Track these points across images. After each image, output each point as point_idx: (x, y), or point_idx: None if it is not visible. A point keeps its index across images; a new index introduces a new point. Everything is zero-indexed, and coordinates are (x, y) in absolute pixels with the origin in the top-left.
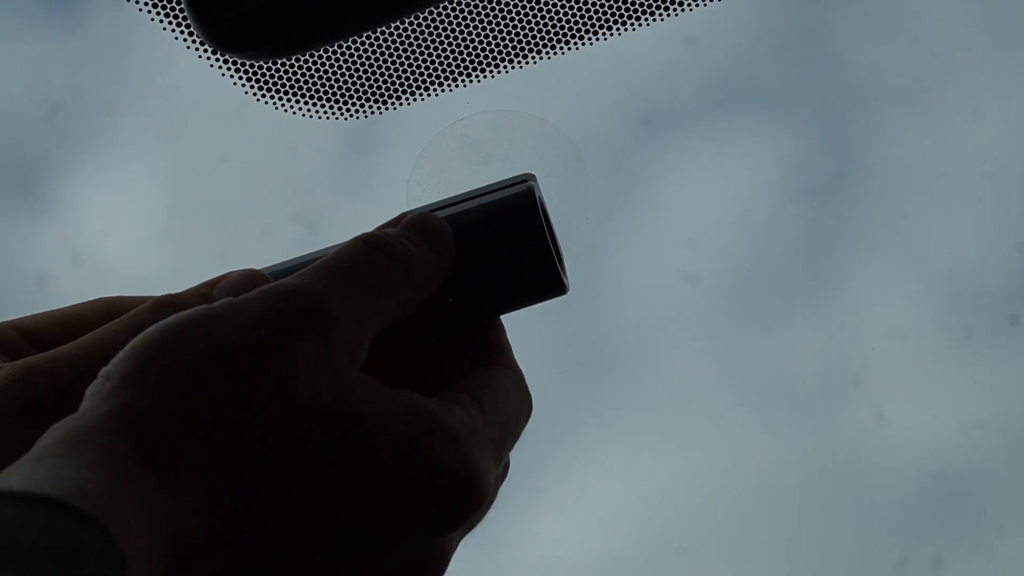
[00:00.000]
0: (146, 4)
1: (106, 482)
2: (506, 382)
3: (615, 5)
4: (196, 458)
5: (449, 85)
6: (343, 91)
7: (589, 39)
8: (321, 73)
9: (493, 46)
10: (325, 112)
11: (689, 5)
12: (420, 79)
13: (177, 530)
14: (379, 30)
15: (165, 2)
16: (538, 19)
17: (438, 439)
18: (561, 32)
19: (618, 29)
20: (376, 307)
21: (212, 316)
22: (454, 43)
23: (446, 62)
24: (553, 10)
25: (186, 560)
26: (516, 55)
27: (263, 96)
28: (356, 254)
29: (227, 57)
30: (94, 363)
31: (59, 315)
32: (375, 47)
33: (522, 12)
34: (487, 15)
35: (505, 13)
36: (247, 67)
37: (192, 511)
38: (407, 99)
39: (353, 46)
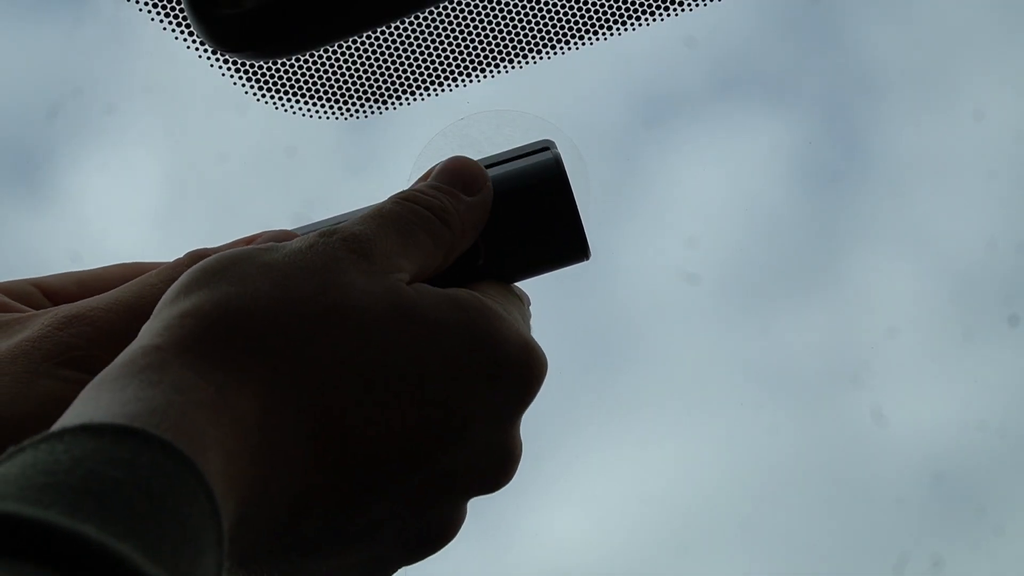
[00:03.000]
0: (146, 4)
1: (176, 400)
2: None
3: (615, 5)
4: (259, 353)
5: (449, 85)
6: (343, 91)
7: (589, 39)
8: (321, 73)
9: (493, 46)
10: (325, 112)
11: (689, 5)
12: (420, 79)
13: (251, 426)
14: (379, 30)
15: (165, 2)
16: (538, 19)
17: (492, 319)
18: (561, 32)
19: (619, 29)
20: (416, 243)
21: (260, 248)
22: (454, 43)
23: (446, 62)
24: (553, 10)
25: (268, 458)
26: (516, 55)
27: (263, 96)
28: (389, 206)
29: (227, 57)
30: (133, 310)
31: (79, 276)
32: (375, 47)
33: (522, 12)
34: (487, 15)
35: (505, 13)
36: (247, 67)
37: (263, 404)
38: (407, 99)
39: (353, 46)
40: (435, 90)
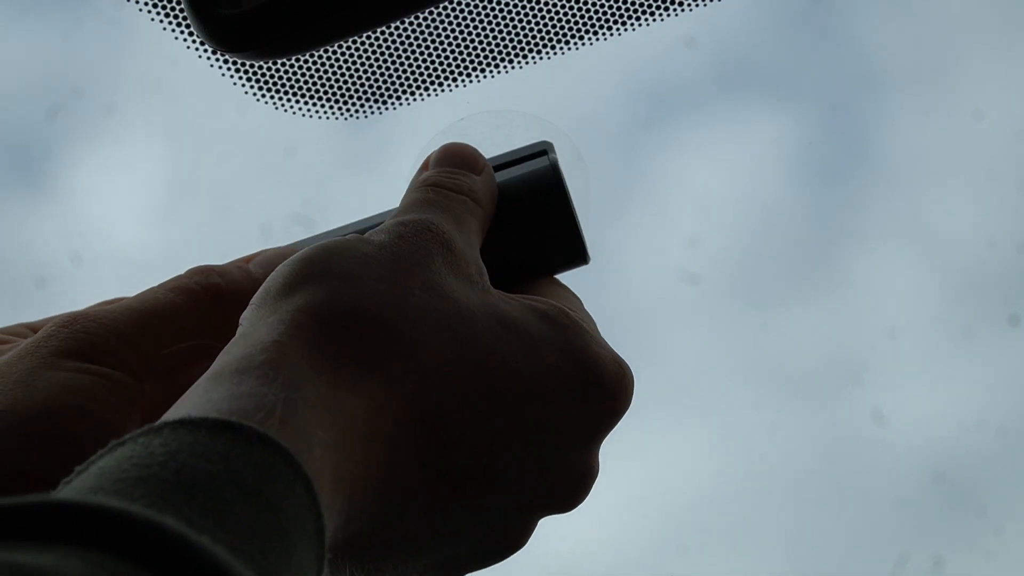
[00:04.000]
0: (146, 4)
1: (291, 398)
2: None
3: (615, 5)
4: (370, 351)
5: (449, 85)
6: (343, 91)
7: (589, 39)
8: (321, 73)
9: (493, 46)
10: (325, 112)
11: (689, 5)
12: (420, 79)
13: (360, 424)
14: (379, 30)
15: (165, 2)
16: (538, 19)
17: (583, 335)
18: (561, 32)
19: (619, 29)
20: (467, 227)
21: (354, 239)
22: (454, 43)
23: (446, 62)
24: (553, 10)
25: (374, 458)
26: (516, 55)
27: (263, 96)
28: (431, 195)
29: (227, 57)
30: (139, 312)
31: (71, 314)
32: (375, 47)
33: (523, 12)
34: (487, 15)
35: (505, 13)
36: (247, 67)
37: (373, 403)
38: (407, 99)
39: (353, 46)
40: (435, 90)
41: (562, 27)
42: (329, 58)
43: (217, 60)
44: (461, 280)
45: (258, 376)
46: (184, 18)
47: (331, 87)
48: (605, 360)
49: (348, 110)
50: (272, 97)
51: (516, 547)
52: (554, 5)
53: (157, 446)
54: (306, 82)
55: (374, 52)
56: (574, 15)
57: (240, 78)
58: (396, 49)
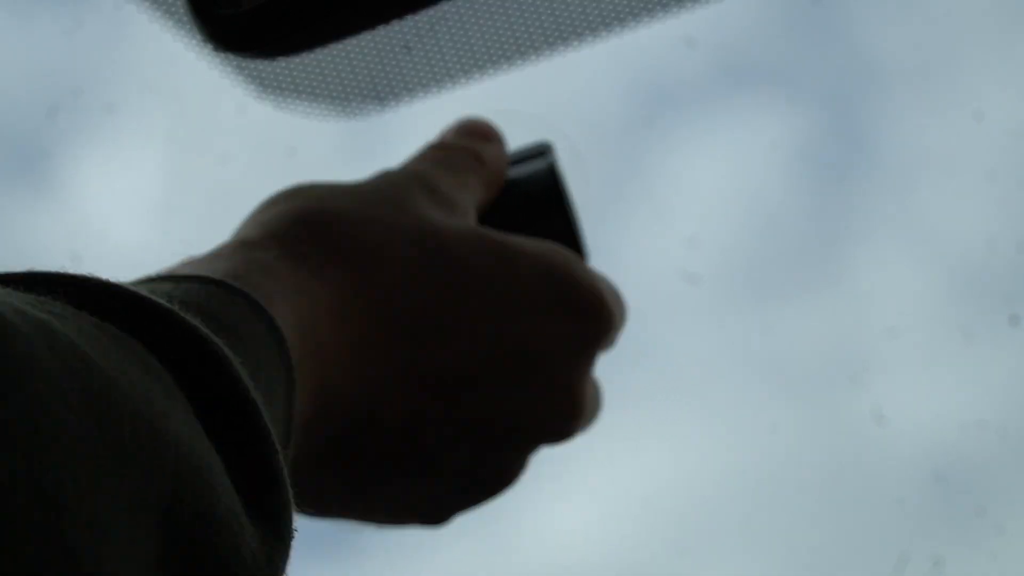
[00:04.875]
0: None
1: (259, 279)
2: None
3: (615, 5)
4: (338, 250)
5: (449, 85)
6: (343, 91)
7: (589, 39)
8: (321, 73)
9: (493, 46)
10: (325, 112)
11: (689, 5)
12: (420, 79)
13: (326, 308)
14: (379, 30)
15: (165, 2)
16: (539, 19)
17: (569, 257)
18: (561, 32)
19: (619, 29)
20: (465, 181)
21: (329, 181)
22: (455, 42)
23: (446, 62)
24: (553, 10)
25: (340, 348)
26: (516, 55)
27: (263, 96)
28: (429, 153)
29: (227, 57)
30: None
31: None
32: (375, 47)
33: (523, 12)
34: (488, 15)
35: (506, 12)
36: (247, 67)
37: (339, 294)
38: (407, 99)
39: (353, 46)
40: (435, 90)
41: (562, 27)
42: (329, 58)
43: (217, 60)
44: (441, 211)
45: (227, 260)
46: (184, 18)
47: (331, 87)
48: (584, 280)
49: (348, 110)
50: (272, 97)
51: (503, 483)
52: (554, 5)
53: (172, 287)
54: (306, 82)
55: (374, 52)
56: (574, 15)
57: (240, 78)
58: (396, 49)
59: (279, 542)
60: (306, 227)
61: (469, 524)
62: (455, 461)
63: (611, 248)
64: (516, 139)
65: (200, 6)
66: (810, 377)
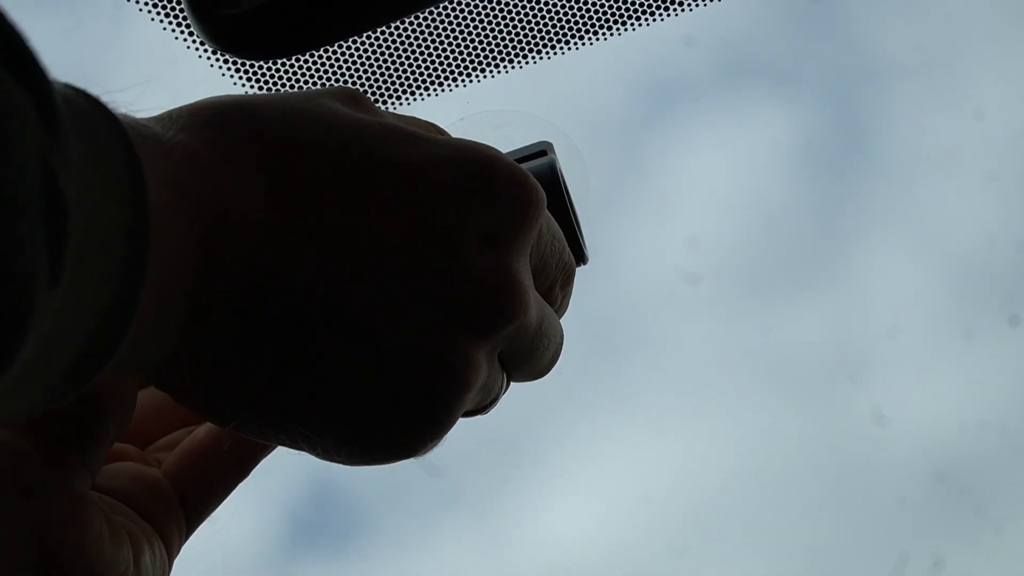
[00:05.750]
0: (146, 4)
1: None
2: None
3: (615, 5)
4: (232, 127)
5: (449, 85)
6: None
7: (589, 39)
8: (321, 73)
9: (493, 46)
10: None
11: (690, 5)
12: (420, 79)
13: (207, 169)
14: (379, 30)
15: (165, 2)
16: (538, 19)
17: (487, 145)
18: (561, 32)
19: (619, 29)
20: (401, 119)
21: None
22: (454, 43)
23: (446, 62)
24: (553, 10)
25: (222, 194)
26: (516, 55)
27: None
28: None
29: (227, 57)
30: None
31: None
32: (375, 47)
33: (523, 12)
34: (487, 15)
35: (505, 13)
36: (247, 67)
37: (224, 157)
38: (407, 99)
39: (353, 46)
40: (435, 90)
41: (562, 27)
42: (329, 58)
43: (217, 60)
44: (358, 110)
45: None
46: (184, 18)
47: (331, 87)
48: (500, 158)
49: None
50: None
51: (449, 376)
52: (554, 5)
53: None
54: (306, 82)
55: (374, 52)
56: (574, 15)
57: (240, 78)
58: (396, 49)
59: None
60: (200, 110)
61: (469, 524)
62: (382, 373)
63: (611, 248)
64: (516, 139)
65: (200, 6)
66: (810, 377)
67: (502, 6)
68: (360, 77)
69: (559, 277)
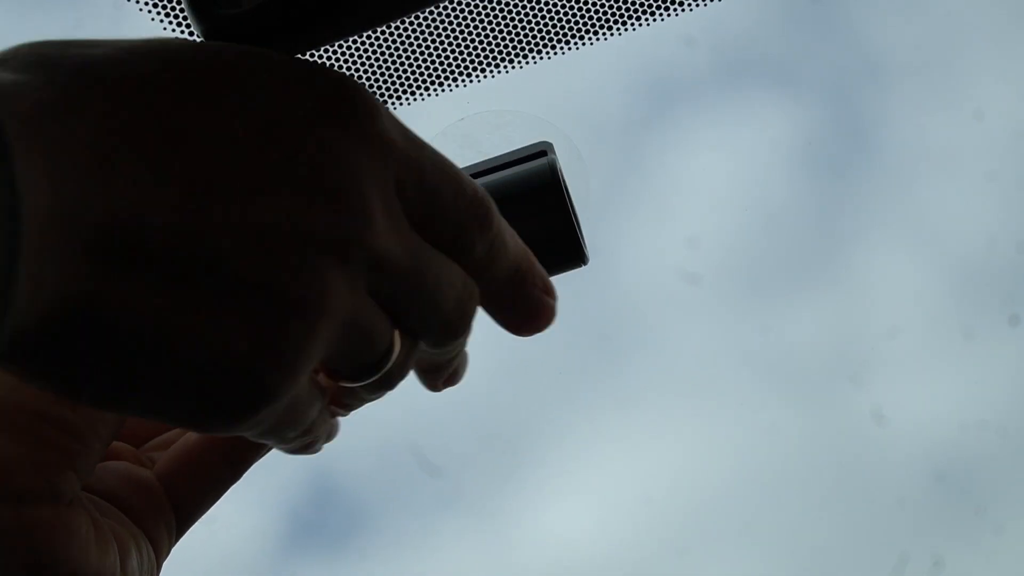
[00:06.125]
0: (146, 4)
1: None
2: None
3: (615, 5)
4: (64, 59)
5: (449, 85)
6: None
7: (589, 39)
8: None
9: (493, 46)
10: None
11: (690, 5)
12: (420, 79)
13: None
14: (379, 30)
15: (165, 2)
16: (538, 19)
17: (327, 67)
18: (561, 32)
19: (619, 29)
20: None
21: None
22: (454, 43)
23: (446, 62)
24: (553, 10)
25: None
26: (517, 55)
27: None
28: None
29: None
30: None
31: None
32: (375, 47)
33: (523, 12)
34: (487, 15)
35: (505, 13)
36: None
37: (62, 88)
38: (407, 99)
39: (353, 46)
40: (435, 90)
41: (562, 27)
42: (328, 58)
43: None
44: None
45: None
46: (184, 18)
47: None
48: (350, 81)
49: None
50: None
51: (306, 300)
52: (554, 5)
53: None
54: None
55: (374, 52)
56: (574, 15)
57: None
58: (396, 49)
59: None
60: (21, 49)
61: (469, 524)
62: (239, 298)
63: (611, 248)
64: (516, 139)
65: (200, 6)
66: (810, 377)
67: (502, 6)
68: (360, 77)
69: (467, 220)
